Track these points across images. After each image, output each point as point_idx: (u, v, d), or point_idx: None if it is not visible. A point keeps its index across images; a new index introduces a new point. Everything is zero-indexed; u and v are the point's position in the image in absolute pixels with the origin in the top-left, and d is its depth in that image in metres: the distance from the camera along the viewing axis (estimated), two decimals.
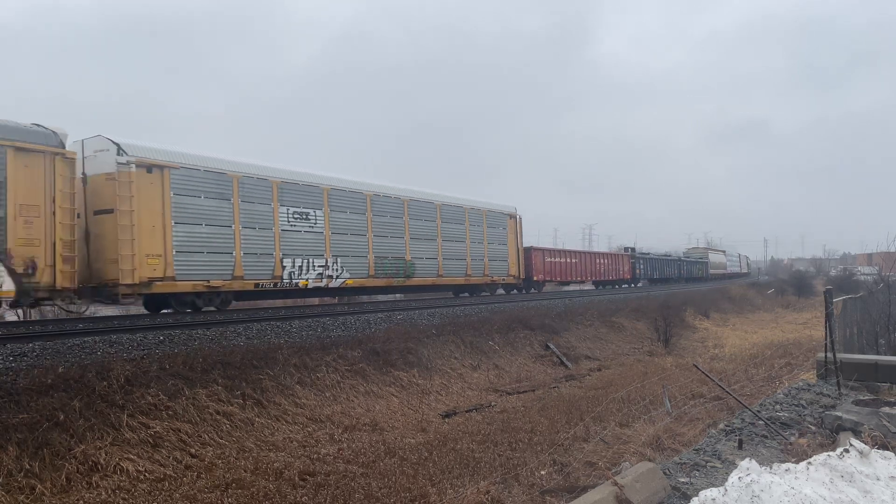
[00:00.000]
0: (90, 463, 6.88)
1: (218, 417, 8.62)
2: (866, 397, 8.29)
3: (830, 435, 6.94)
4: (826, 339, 9.26)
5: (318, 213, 18.36)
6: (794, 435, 7.17)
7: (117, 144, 14.02)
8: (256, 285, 16.49)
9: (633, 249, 44.64)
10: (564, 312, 20.44)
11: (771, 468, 4.68)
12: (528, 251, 30.24)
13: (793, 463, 4.84)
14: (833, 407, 7.98)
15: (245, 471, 7.22)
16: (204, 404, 8.65)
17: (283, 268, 17.04)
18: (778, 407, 8.33)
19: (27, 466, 6.49)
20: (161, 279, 14.29)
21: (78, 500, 6.31)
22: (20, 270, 11.72)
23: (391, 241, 21.07)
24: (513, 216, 28.15)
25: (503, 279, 27.22)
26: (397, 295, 27.36)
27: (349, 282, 19.32)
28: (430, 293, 27.20)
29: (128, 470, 6.96)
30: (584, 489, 5.74)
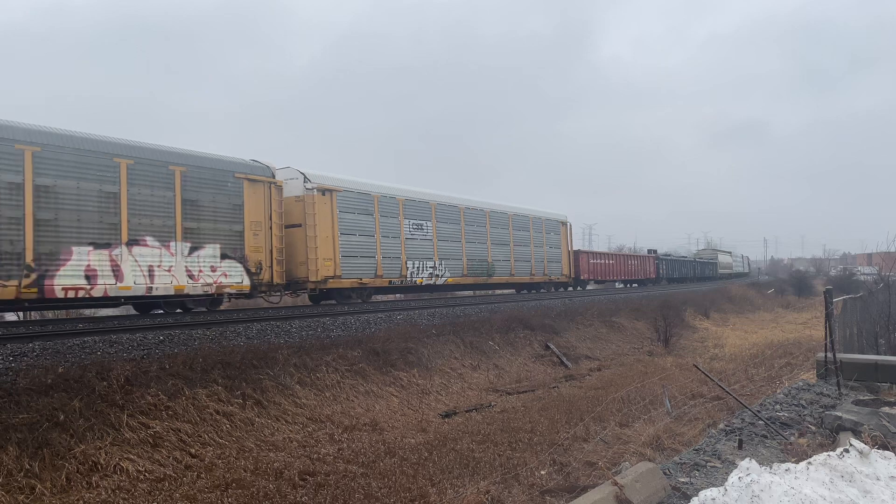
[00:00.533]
0: (90, 463, 6.88)
1: (218, 417, 8.61)
2: (866, 397, 8.29)
3: (830, 435, 6.94)
4: (826, 339, 9.26)
5: (428, 223, 22.83)
6: (794, 435, 7.17)
7: (303, 174, 18.35)
8: (390, 282, 20.85)
9: (655, 252, 48.73)
10: (564, 312, 20.43)
11: (771, 468, 4.68)
12: (577, 254, 34.15)
13: (793, 463, 4.84)
14: (833, 407, 7.98)
15: (245, 471, 7.22)
16: (204, 404, 8.65)
17: (407, 268, 21.56)
18: (778, 407, 8.33)
19: (27, 466, 6.48)
20: (332, 277, 18.61)
21: (78, 500, 6.31)
22: (253, 270, 16.13)
23: (477, 246, 25.46)
24: (564, 223, 32.60)
25: (558, 278, 31.40)
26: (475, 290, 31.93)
27: (450, 279, 23.81)
28: (503, 289, 31.89)
29: (128, 470, 6.96)
30: (584, 489, 5.74)
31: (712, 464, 6.22)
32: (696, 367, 9.50)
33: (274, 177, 16.99)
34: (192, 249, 14.76)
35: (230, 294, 16.00)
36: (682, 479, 5.74)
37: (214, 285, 15.14)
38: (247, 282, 15.94)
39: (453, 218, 24.19)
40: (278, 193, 16.91)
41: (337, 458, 7.91)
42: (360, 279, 19.57)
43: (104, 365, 8.55)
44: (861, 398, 8.17)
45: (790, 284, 49.30)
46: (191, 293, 14.77)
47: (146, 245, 13.93)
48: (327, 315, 15.38)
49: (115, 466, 6.95)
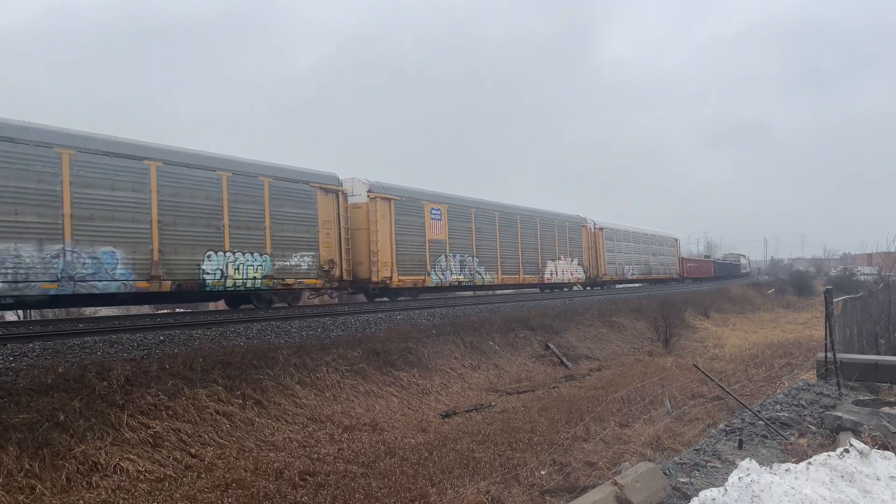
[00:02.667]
0: (90, 463, 6.87)
1: (218, 417, 8.61)
2: (866, 397, 8.29)
3: (830, 435, 6.94)
4: (826, 339, 9.26)
5: (629, 244, 40.51)
6: (794, 435, 7.17)
7: (594, 221, 35.07)
8: (618, 277, 38.44)
9: (709, 256, 69.78)
10: (564, 312, 20.43)
11: (771, 468, 4.68)
12: (682, 260, 52.79)
13: (793, 463, 4.84)
14: (833, 407, 7.98)
15: (245, 471, 7.22)
16: (204, 404, 8.65)
17: (625, 269, 39.22)
18: (778, 407, 8.33)
19: (27, 466, 6.48)
20: (605, 275, 36.07)
21: (78, 500, 6.31)
22: (585, 271, 33.70)
23: (645, 256, 43.37)
24: (677, 240, 52.13)
25: (672, 276, 49.26)
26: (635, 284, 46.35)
27: (636, 276, 41.63)
28: (655, 282, 46.72)
29: (128, 470, 6.96)
30: (585, 489, 5.74)
31: (712, 464, 6.22)
32: (696, 367, 9.50)
33: (587, 222, 34.38)
34: (571, 261, 32.07)
35: (580, 283, 33.58)
36: (683, 479, 5.74)
37: (576, 278, 32.51)
38: (584, 277, 33.18)
39: (635, 239, 41.68)
40: (588, 232, 34.46)
41: (337, 458, 7.90)
42: (611, 276, 37.20)
43: (104, 365, 8.55)
44: (861, 398, 8.17)
45: (790, 284, 49.35)
46: (571, 282, 32.20)
47: (562, 259, 31.25)
48: (327, 315, 15.37)
49: (115, 466, 6.95)
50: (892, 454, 4.99)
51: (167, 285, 14.22)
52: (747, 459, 4.76)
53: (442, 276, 22.58)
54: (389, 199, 20.63)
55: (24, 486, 6.31)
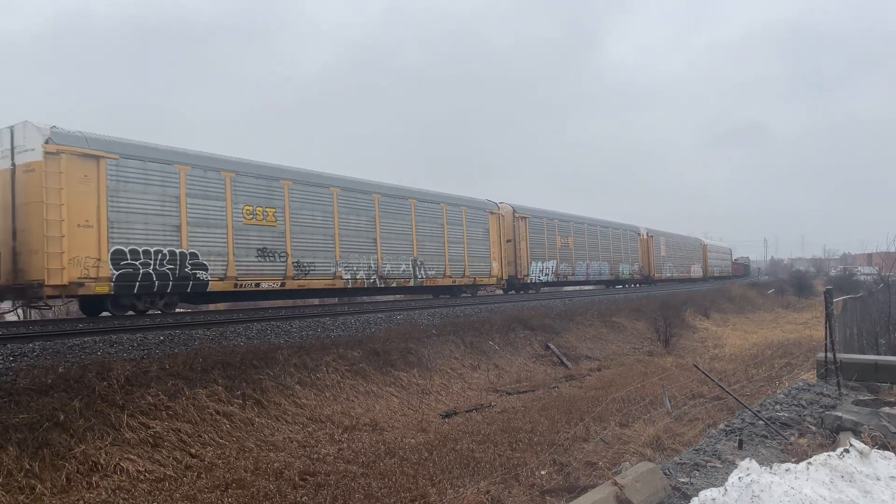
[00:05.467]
0: (90, 463, 6.88)
1: (218, 417, 8.61)
2: (866, 397, 8.29)
3: (830, 435, 6.94)
4: (826, 339, 9.26)
5: (716, 254, 62.86)
6: (794, 435, 7.17)
7: (703, 239, 63.72)
8: (716, 275, 60.35)
9: (736, 259, 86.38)
10: (564, 312, 20.42)
11: (771, 468, 4.68)
12: (732, 263, 71.42)
13: (793, 463, 4.84)
14: (833, 407, 7.98)
15: (245, 471, 7.22)
16: (204, 404, 8.65)
17: (711, 268, 59.59)
18: (778, 407, 8.33)
19: (27, 466, 6.48)
20: (712, 274, 60.03)
21: (78, 500, 6.31)
22: (706, 270, 61.74)
23: (719, 260, 61.76)
24: (731, 249, 73.33)
25: (728, 274, 64.79)
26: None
27: (716, 275, 59.92)
28: (716, 277, 61.22)
29: (128, 470, 6.96)
30: (585, 489, 5.74)
31: (712, 464, 6.22)
32: (696, 367, 9.50)
33: (703, 241, 58.23)
34: (697, 264, 54.31)
35: (700, 278, 53.61)
36: (683, 479, 5.74)
37: (698, 275, 53.47)
38: (702, 274, 54.51)
39: (715, 250, 60.14)
40: (702, 246, 57.32)
41: (337, 458, 7.91)
42: (710, 273, 57.25)
43: (104, 365, 8.55)
44: (861, 398, 8.17)
45: (790, 284, 49.36)
46: (695, 277, 52.47)
47: (695, 264, 53.67)
48: (327, 315, 15.37)
49: (115, 466, 6.95)
50: (892, 454, 4.99)
51: (611, 277, 36.10)
52: (747, 459, 4.76)
53: (663, 273, 45.17)
54: (651, 236, 43.37)
55: (24, 486, 6.31)
